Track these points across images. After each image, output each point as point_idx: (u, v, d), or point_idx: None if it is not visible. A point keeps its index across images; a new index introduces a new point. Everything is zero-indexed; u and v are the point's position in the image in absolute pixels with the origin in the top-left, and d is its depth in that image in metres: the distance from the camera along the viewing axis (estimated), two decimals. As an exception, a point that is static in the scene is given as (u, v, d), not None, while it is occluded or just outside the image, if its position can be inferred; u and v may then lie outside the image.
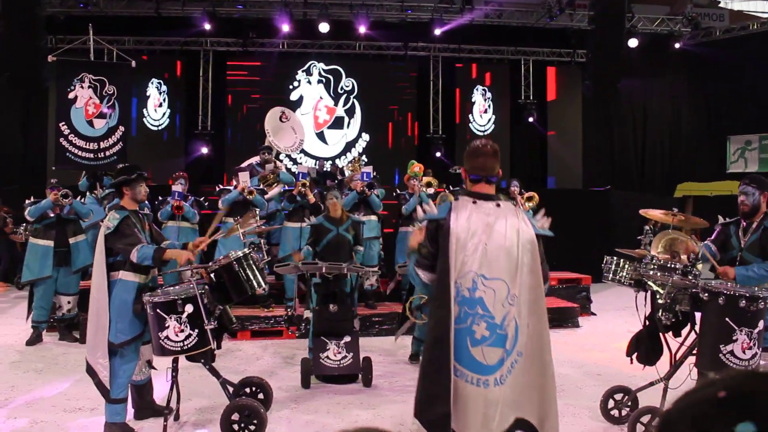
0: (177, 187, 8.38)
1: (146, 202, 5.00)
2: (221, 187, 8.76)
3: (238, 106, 16.28)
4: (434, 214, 3.10)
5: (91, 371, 4.49)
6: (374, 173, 9.06)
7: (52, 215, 7.60)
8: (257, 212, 7.90)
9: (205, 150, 15.60)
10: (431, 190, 8.49)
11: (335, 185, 9.86)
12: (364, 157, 9.74)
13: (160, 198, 8.68)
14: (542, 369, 3.01)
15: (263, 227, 6.94)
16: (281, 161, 11.39)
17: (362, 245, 6.92)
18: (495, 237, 2.96)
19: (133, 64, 10.41)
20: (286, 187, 8.98)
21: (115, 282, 4.50)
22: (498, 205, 3.06)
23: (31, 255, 7.59)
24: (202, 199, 9.00)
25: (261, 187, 8.88)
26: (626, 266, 4.96)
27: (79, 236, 7.80)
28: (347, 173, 9.59)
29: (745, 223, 4.72)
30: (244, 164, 9.48)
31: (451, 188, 8.31)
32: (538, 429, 2.98)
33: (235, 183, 8.26)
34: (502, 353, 2.90)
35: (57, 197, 7.45)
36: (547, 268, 3.12)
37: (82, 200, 8.09)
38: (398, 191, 8.99)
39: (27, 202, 7.67)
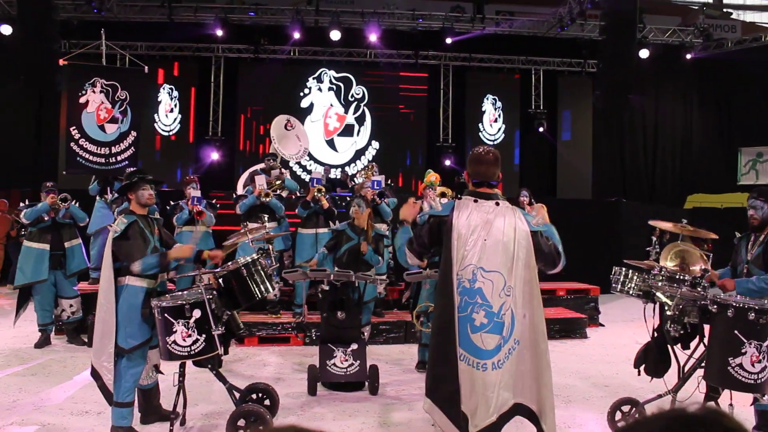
0: (196, 193, 8.37)
1: (155, 206, 5.01)
2: (238, 194, 8.75)
3: (248, 112, 16.35)
4: (438, 210, 3.53)
5: (95, 374, 4.52)
6: (389, 181, 9.05)
7: (47, 219, 7.58)
8: (266, 218, 7.93)
9: (215, 155, 15.68)
10: (445, 200, 8.48)
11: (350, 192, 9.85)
12: (375, 165, 9.75)
13: (171, 203, 8.69)
14: (538, 357, 3.27)
15: (271, 233, 6.95)
16: (290, 168, 11.41)
17: (382, 259, 6.88)
18: (493, 233, 3.26)
19: (146, 69, 10.46)
20: (297, 194, 8.98)
21: (123, 287, 4.51)
22: (497, 204, 3.37)
23: (24, 258, 7.54)
24: (214, 201, 8.99)
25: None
26: (635, 277, 4.94)
27: (74, 240, 7.80)
28: (358, 180, 9.59)
29: (754, 237, 4.71)
30: (249, 170, 9.50)
31: (460, 197, 8.31)
32: (538, 415, 3.26)
33: (247, 187, 8.28)
34: (499, 339, 3.18)
35: (55, 200, 7.45)
36: (555, 250, 3.41)
37: (76, 203, 8.07)
38: (415, 200, 8.97)
39: (22, 205, 7.68)
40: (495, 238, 3.25)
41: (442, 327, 3.25)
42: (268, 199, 8.07)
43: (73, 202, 7.84)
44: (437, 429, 3.29)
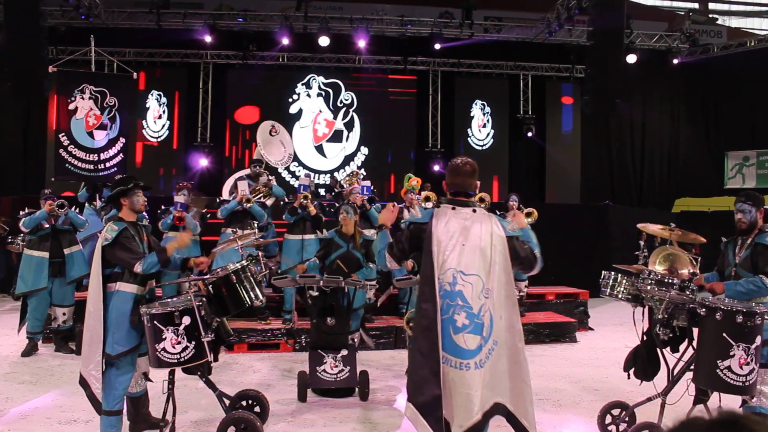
0: (180, 198, 8.36)
1: (144, 213, 5.00)
2: (221, 198, 8.74)
3: (237, 118, 16.32)
4: (418, 218, 3.60)
5: (83, 383, 4.46)
6: (372, 188, 9.06)
7: (46, 226, 7.56)
8: (255, 225, 7.92)
9: (204, 162, 15.64)
10: (430, 205, 8.45)
11: (335, 199, 9.83)
12: (363, 171, 9.76)
13: (162, 207, 8.67)
14: (515, 356, 3.38)
15: (261, 239, 6.94)
16: (278, 173, 11.39)
17: (375, 263, 6.86)
18: (471, 238, 3.39)
19: (135, 75, 10.44)
20: (285, 200, 8.96)
21: (113, 293, 4.48)
22: (474, 211, 3.50)
23: (25, 266, 7.53)
24: (204, 210, 8.98)
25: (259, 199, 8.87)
26: (624, 281, 4.96)
27: (74, 247, 7.77)
28: (344, 186, 9.60)
29: (741, 240, 4.73)
30: (235, 176, 9.49)
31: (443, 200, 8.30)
32: (515, 414, 3.33)
33: (234, 193, 8.28)
34: (480, 340, 3.29)
35: (53, 207, 7.41)
36: (531, 253, 3.55)
37: (77, 209, 8.05)
38: (395, 204, 8.96)
39: (21, 213, 7.65)
40: (473, 243, 3.37)
41: (425, 330, 3.31)
42: (249, 205, 8.06)
43: (73, 208, 7.81)
44: None
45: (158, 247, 4.87)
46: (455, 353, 3.27)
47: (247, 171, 9.43)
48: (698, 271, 4.75)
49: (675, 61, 16.12)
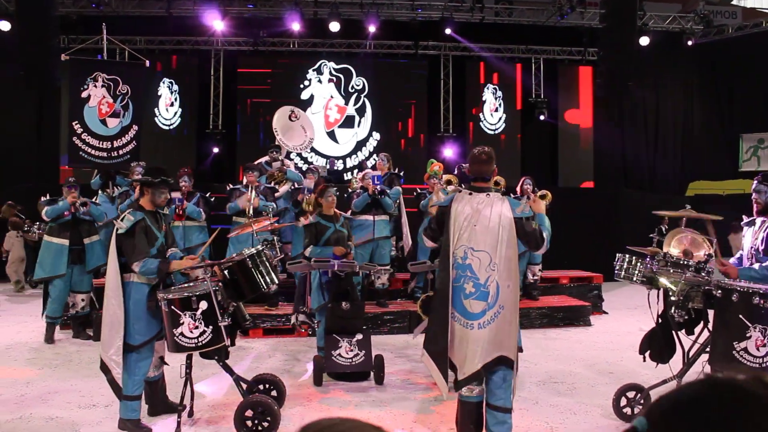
0: (176, 194, 8.30)
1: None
2: (231, 186, 8.72)
3: (248, 105, 16.33)
4: (442, 201, 4.33)
5: (104, 368, 4.52)
6: (399, 172, 9.06)
7: (67, 215, 7.65)
8: (270, 210, 7.92)
9: (216, 149, 15.69)
10: (451, 188, 8.47)
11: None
12: (374, 157, 9.71)
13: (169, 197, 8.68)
14: (514, 317, 4.01)
15: (275, 224, 6.93)
16: (291, 160, 11.40)
17: (352, 242, 6.76)
18: (481, 219, 3.97)
19: (147, 63, 10.46)
20: (295, 186, 8.96)
21: (129, 283, 4.53)
22: (487, 195, 4.06)
23: (44, 253, 7.62)
24: (208, 194, 8.94)
25: (271, 185, 8.87)
26: (638, 264, 4.94)
27: (94, 236, 7.86)
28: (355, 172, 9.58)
29: (761, 222, 4.69)
30: (254, 163, 9.50)
31: (463, 186, 8.30)
32: (513, 360, 3.97)
33: (245, 181, 8.31)
34: (484, 305, 3.91)
35: (75, 200, 7.52)
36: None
37: (95, 199, 8.11)
38: (418, 190, 8.99)
39: (42, 200, 7.71)
40: (483, 224, 3.94)
41: (440, 294, 4.05)
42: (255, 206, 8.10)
43: (94, 199, 7.88)
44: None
45: (173, 241, 4.90)
46: (463, 314, 3.94)
47: (266, 158, 9.41)
48: (713, 253, 4.73)
49: (689, 43, 15.93)
